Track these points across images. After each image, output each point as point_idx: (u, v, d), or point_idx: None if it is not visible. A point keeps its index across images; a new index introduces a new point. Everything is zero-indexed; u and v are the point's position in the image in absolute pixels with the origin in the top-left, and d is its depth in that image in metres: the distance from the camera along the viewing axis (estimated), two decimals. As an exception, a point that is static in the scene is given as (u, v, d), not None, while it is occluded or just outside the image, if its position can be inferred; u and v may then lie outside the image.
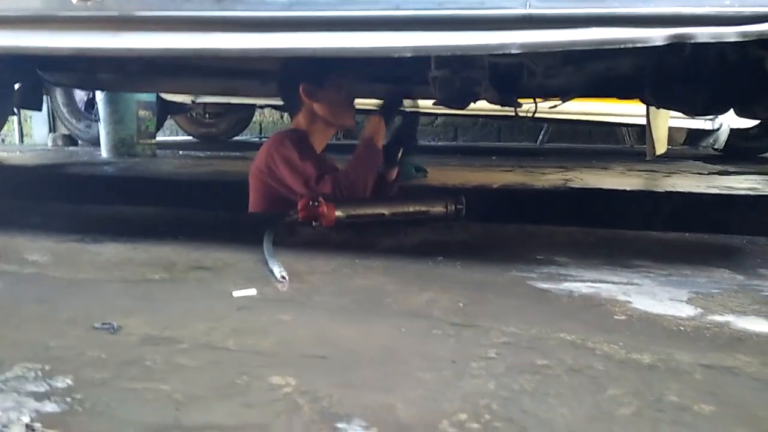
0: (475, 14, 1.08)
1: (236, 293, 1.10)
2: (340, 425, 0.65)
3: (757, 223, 1.84)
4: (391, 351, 0.87)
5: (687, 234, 1.73)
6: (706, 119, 4.15)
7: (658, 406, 0.70)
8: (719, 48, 1.78)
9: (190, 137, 6.14)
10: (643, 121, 3.30)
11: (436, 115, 6.44)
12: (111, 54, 1.30)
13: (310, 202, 1.68)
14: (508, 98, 2.11)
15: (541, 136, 6.86)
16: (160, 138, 6.86)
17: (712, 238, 1.68)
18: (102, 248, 1.45)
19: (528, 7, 1.06)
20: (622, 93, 2.16)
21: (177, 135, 7.04)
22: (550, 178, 3.09)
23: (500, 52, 1.08)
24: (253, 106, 5.83)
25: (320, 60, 2.02)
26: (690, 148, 4.94)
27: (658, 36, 1.00)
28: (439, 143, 7.06)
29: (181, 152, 4.52)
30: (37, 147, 5.24)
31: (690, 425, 0.66)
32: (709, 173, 3.43)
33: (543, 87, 2.10)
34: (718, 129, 4.13)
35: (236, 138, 6.28)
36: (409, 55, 1.12)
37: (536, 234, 1.73)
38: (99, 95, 3.95)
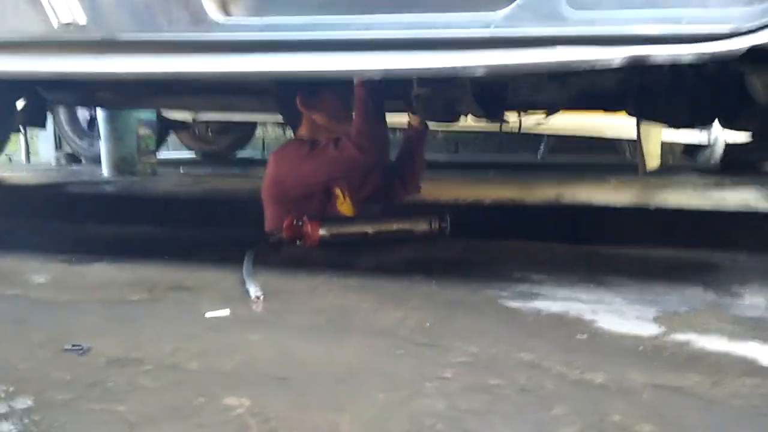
0: (442, 36, 1.10)
1: (209, 314, 1.13)
2: (285, 445, 0.67)
3: (741, 239, 1.84)
4: (352, 371, 0.89)
5: (669, 250, 1.74)
6: (701, 133, 4.15)
7: (600, 426, 0.71)
8: (699, 64, 1.81)
9: (193, 153, 6.20)
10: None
11: (437, 129, 6.49)
12: (91, 78, 1.33)
13: (294, 222, 1.71)
14: (493, 114, 2.14)
15: (541, 150, 6.86)
16: (163, 154, 6.93)
17: (693, 254, 1.68)
18: (87, 269, 1.48)
19: (493, 27, 1.08)
20: (607, 107, 2.18)
21: (181, 151, 7.10)
22: (544, 193, 3.10)
23: (466, 74, 1.10)
24: (254, 123, 5.88)
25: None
26: (688, 162, 4.93)
27: (617, 57, 1.02)
28: (440, 157, 7.08)
29: (181, 170, 4.57)
30: (41, 166, 5.31)
31: (627, 445, 0.68)
32: (704, 186, 3.43)
33: (528, 103, 2.12)
34: (713, 143, 4.12)
35: (239, 155, 6.33)
36: (377, 77, 1.15)
37: (518, 250, 1.74)
38: (99, 113, 4.01)
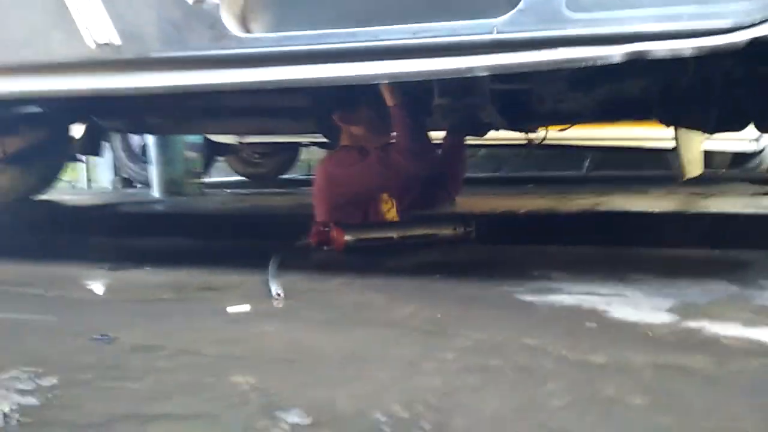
0: (447, 41, 1.14)
1: (231, 309, 1.18)
2: (278, 414, 0.70)
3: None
4: (357, 355, 0.92)
5: (701, 250, 1.70)
6: (750, 141, 4.02)
7: (592, 399, 0.72)
8: (725, 68, 1.78)
9: (241, 177, 6.40)
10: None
11: (479, 146, 6.49)
12: (123, 93, 1.43)
13: (322, 227, 1.76)
14: (518, 125, 2.15)
15: (586, 165, 6.75)
16: (213, 178, 7.17)
17: (725, 254, 1.64)
18: (125, 274, 1.57)
19: (495, 32, 1.12)
20: (633, 115, 2.16)
21: (229, 176, 7.34)
22: (581, 203, 3.06)
23: (469, 75, 1.13)
24: (298, 145, 6.04)
25: (345, 87, 2.11)
26: (738, 171, 4.77)
27: (617, 53, 1.04)
28: (481, 174, 7.06)
29: (228, 190, 4.73)
30: (99, 191, 5.60)
31: (613, 414, 0.68)
32: (752, 195, 3.31)
33: (553, 112, 2.13)
34: (761, 151, 3.98)
35: (284, 176, 6.50)
36: (386, 81, 1.19)
37: (542, 253, 1.74)
38: (150, 139, 4.22)
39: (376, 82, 1.21)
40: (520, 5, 1.08)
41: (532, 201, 3.23)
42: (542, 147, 5.65)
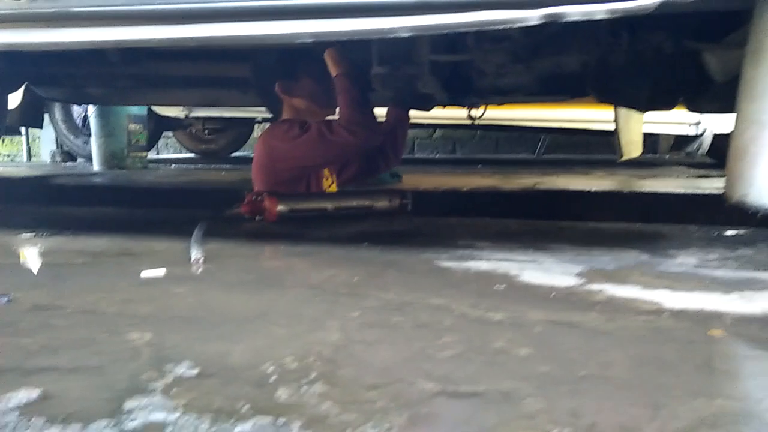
0: (374, 1, 1.14)
1: (144, 273, 1.16)
2: (167, 366, 0.69)
3: (699, 215, 1.85)
4: (263, 314, 0.91)
5: (624, 224, 1.76)
6: (689, 125, 4.15)
7: (480, 350, 0.74)
8: (656, 42, 1.82)
9: (192, 154, 6.27)
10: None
11: (435, 127, 6.53)
12: (41, 48, 1.38)
13: (254, 197, 1.74)
14: (459, 99, 2.16)
15: (538, 148, 6.87)
16: (163, 155, 6.99)
17: (645, 227, 1.70)
18: (44, 240, 1.52)
19: (422, -7, 1.11)
20: (571, 91, 2.19)
21: (180, 152, 7.19)
22: (523, 182, 3.11)
23: (392, 35, 1.13)
24: (252, 121, 5.94)
25: (287, 57, 2.08)
26: (677, 154, 4.94)
27: (533, 16, 1.05)
28: (437, 156, 7.10)
29: (173, 166, 4.63)
30: (38, 164, 5.40)
31: (496, 362, 0.70)
32: (688, 177, 3.43)
33: (494, 87, 2.14)
34: (702, 134, 4.12)
35: (236, 154, 6.39)
36: (309, 40, 1.18)
37: (473, 225, 1.77)
38: (91, 110, 4.08)
39: (300, 41, 1.19)
40: (447, -34, 1.08)
41: (477, 180, 3.26)
42: (493, 128, 5.74)
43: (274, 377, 0.66)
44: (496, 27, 1.09)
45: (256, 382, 0.65)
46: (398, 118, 2.20)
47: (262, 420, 0.56)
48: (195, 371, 0.68)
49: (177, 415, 0.57)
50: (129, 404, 0.59)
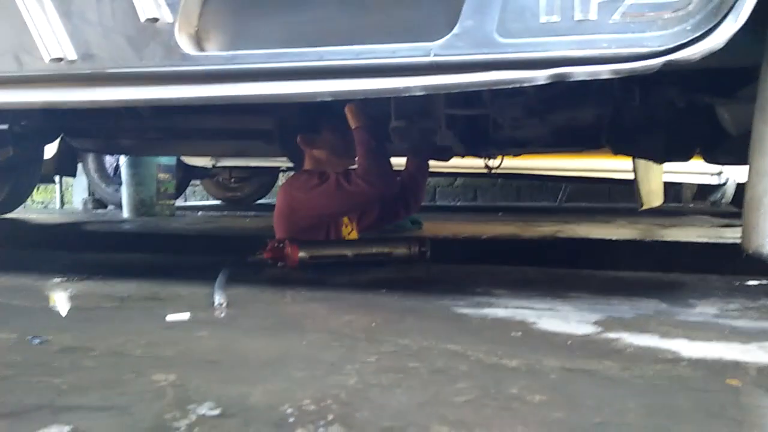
0: (387, 63, 1.20)
1: (170, 317, 1.19)
2: (190, 406, 0.72)
3: (720, 264, 1.84)
4: (283, 357, 0.94)
5: (644, 272, 1.75)
6: (712, 174, 4.15)
7: (494, 396, 0.75)
8: (668, 97, 1.86)
9: (219, 201, 6.41)
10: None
11: (455, 175, 6.60)
12: (79, 106, 1.46)
13: (276, 244, 1.79)
14: (475, 150, 2.21)
15: (560, 196, 6.88)
16: (191, 202, 7.14)
17: (664, 275, 1.69)
18: (73, 285, 1.57)
19: (432, 55, 1.18)
20: (586, 143, 2.23)
21: (207, 199, 7.34)
22: (543, 230, 3.12)
23: (406, 94, 1.19)
24: (276, 170, 6.07)
25: (308, 111, 2.17)
26: (701, 203, 4.92)
27: (541, 76, 1.10)
28: (458, 203, 7.15)
29: (200, 213, 4.73)
30: (70, 211, 5.57)
31: (510, 408, 0.71)
32: (710, 226, 3.41)
33: (510, 138, 2.19)
34: (725, 183, 4.11)
35: (261, 201, 6.51)
36: (328, 99, 1.24)
37: (491, 272, 1.78)
38: (122, 159, 4.23)
39: (320, 99, 1.25)
40: (455, 30, 1.14)
41: (497, 227, 3.29)
42: (514, 176, 5.79)
43: (292, 419, 0.68)
44: (505, 87, 1.14)
45: (275, 423, 0.67)
46: (417, 167, 2.25)
47: (280, 459, 0.58)
48: (216, 411, 0.71)
49: (199, 453, 0.59)
50: (153, 442, 0.62)
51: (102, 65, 1.40)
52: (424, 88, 1.17)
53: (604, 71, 1.05)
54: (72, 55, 1.40)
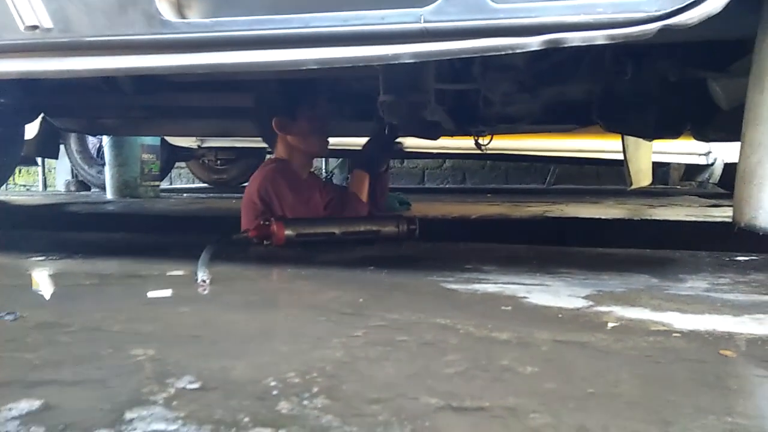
0: (376, 29, 1.16)
1: (151, 293, 1.16)
2: (169, 380, 0.69)
3: (709, 241, 1.83)
4: (267, 332, 0.91)
5: (634, 250, 1.74)
6: (700, 154, 4.15)
7: (485, 368, 0.73)
8: (660, 70, 1.84)
9: (205, 184, 6.34)
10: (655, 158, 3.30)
11: (444, 157, 6.57)
12: (54, 76, 1.41)
13: (261, 222, 1.75)
14: (465, 127, 2.18)
15: (548, 178, 6.88)
16: (176, 185, 7.06)
17: (654, 252, 1.68)
18: (52, 263, 1.53)
19: (423, 21, 1.14)
20: (577, 119, 2.21)
21: (193, 182, 7.26)
22: (532, 210, 3.10)
23: (396, 61, 1.15)
24: (263, 151, 6.00)
25: (290, 91, 2.15)
26: (688, 183, 4.94)
27: (534, 42, 1.06)
28: (447, 185, 7.13)
29: (185, 195, 4.67)
30: (52, 193, 5.47)
31: (501, 379, 0.69)
32: (699, 206, 3.41)
33: (500, 115, 2.16)
34: (712, 164, 4.11)
35: (247, 183, 6.44)
36: (314, 67, 1.20)
37: (480, 250, 1.76)
38: (105, 140, 4.15)
39: (306, 67, 1.21)
40: (446, -5, 1.10)
41: (486, 208, 3.27)
42: (503, 158, 5.77)
43: (275, 391, 0.66)
44: (497, 53, 1.10)
45: (258, 396, 0.64)
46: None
47: (263, 431, 0.55)
48: (196, 385, 0.68)
49: (177, 425, 0.56)
50: (129, 415, 0.59)
51: (79, 33, 1.35)
52: (415, 55, 1.13)
53: (599, 36, 1.02)
54: (48, 22, 1.34)
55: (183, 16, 1.31)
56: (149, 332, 0.90)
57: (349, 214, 2.13)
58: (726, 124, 1.92)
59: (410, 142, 3.56)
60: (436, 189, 6.13)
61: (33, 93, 2.76)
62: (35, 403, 0.62)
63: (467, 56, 1.12)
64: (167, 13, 1.30)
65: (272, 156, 2.26)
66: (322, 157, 2.15)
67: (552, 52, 1.24)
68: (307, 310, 1.04)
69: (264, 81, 2.20)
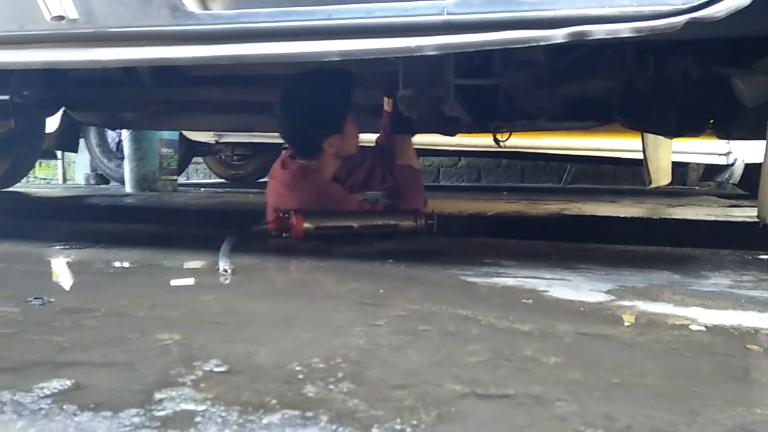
0: (399, 21, 1.16)
1: (174, 282, 1.17)
2: (196, 363, 0.70)
3: (731, 240, 1.81)
4: (289, 320, 0.92)
5: (655, 247, 1.73)
6: (720, 155, 4.09)
7: (508, 357, 0.73)
8: (683, 67, 1.82)
9: (222, 180, 6.37)
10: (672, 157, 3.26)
11: (460, 154, 6.54)
12: (81, 66, 1.43)
13: (281, 214, 1.76)
14: (483, 123, 2.17)
15: (564, 177, 6.83)
16: (193, 180, 7.10)
17: (675, 250, 1.67)
18: (77, 252, 1.55)
19: (446, 14, 1.14)
20: (597, 117, 2.18)
21: (210, 178, 7.31)
22: (549, 208, 3.08)
23: (418, 53, 1.15)
24: (279, 147, 6.02)
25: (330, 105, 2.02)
26: (708, 183, 4.87)
27: (558, 34, 1.06)
28: (462, 183, 7.11)
29: (202, 189, 4.70)
30: (72, 186, 5.54)
31: (525, 369, 0.69)
32: (718, 206, 3.37)
33: (519, 111, 2.15)
34: (732, 164, 4.05)
35: (263, 179, 6.47)
36: (337, 59, 1.20)
37: (498, 245, 1.76)
38: (125, 134, 4.19)
39: (329, 59, 1.21)
40: (469, -13, 1.10)
41: (503, 205, 3.25)
42: (520, 156, 5.73)
43: (301, 376, 0.66)
44: (522, 45, 1.10)
45: (284, 379, 0.65)
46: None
47: (290, 413, 0.56)
48: (223, 368, 0.68)
49: (206, 406, 0.57)
50: (158, 395, 0.60)
51: (104, 24, 1.36)
52: (438, 47, 1.13)
53: (624, 29, 1.01)
54: (73, 13, 1.36)
55: (206, 8, 1.32)
56: (174, 318, 0.91)
57: (411, 188, 2.08)
58: (749, 122, 1.89)
59: (426, 139, 3.56)
60: (451, 186, 6.12)
61: (55, 86, 2.79)
62: (66, 383, 0.63)
63: (490, 48, 1.12)
64: (191, 4, 1.31)
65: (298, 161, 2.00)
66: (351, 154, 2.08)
67: (573, 47, 1.23)
68: (328, 300, 1.05)
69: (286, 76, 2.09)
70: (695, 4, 0.97)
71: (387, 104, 2.09)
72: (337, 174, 2.02)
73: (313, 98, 1.89)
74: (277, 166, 2.07)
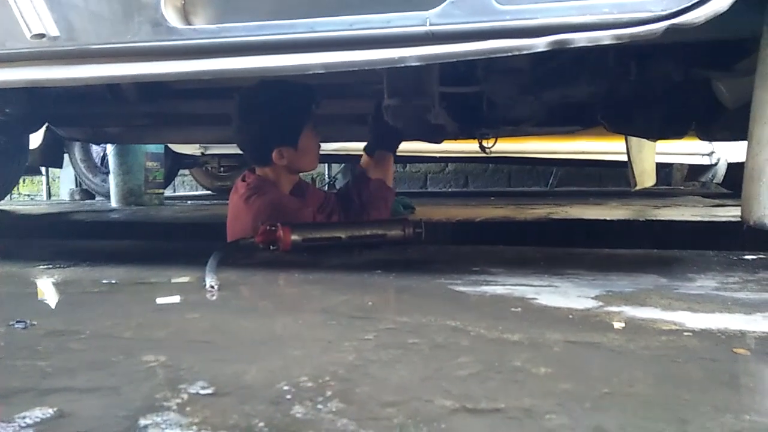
0: (382, 33, 1.16)
1: (160, 300, 1.16)
2: (181, 386, 0.69)
3: (717, 241, 1.83)
4: (277, 336, 0.91)
5: (641, 250, 1.74)
6: (703, 155, 4.14)
7: (498, 369, 0.72)
8: (664, 71, 1.84)
9: (208, 191, 6.34)
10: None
11: (446, 161, 6.56)
12: (62, 84, 1.41)
13: (267, 227, 1.75)
14: (469, 129, 2.18)
15: (550, 180, 6.87)
16: (179, 193, 7.06)
17: (662, 253, 1.68)
18: (62, 271, 1.53)
19: (428, 25, 1.14)
20: (581, 121, 2.20)
21: (197, 190, 7.27)
22: (537, 212, 3.10)
23: (401, 64, 1.15)
24: (264, 159, 6.00)
25: (292, 113, 2.03)
26: (697, 185, 4.94)
27: (540, 43, 1.07)
28: (450, 189, 7.13)
29: (189, 202, 4.68)
30: (57, 202, 5.48)
31: (515, 381, 0.68)
32: (703, 206, 3.40)
33: (504, 118, 2.17)
34: (716, 164, 4.10)
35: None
36: (321, 71, 1.20)
37: (486, 252, 1.76)
38: (109, 148, 4.16)
39: (312, 72, 1.21)
40: (451, -3, 1.10)
41: (490, 211, 3.26)
42: (506, 161, 5.76)
43: (289, 396, 0.65)
44: (503, 55, 1.10)
45: (272, 400, 0.64)
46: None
47: (278, 435, 0.55)
48: (210, 390, 0.67)
49: (192, 431, 0.56)
50: (143, 421, 0.59)
51: (86, 41, 1.35)
52: (420, 58, 1.13)
53: (605, 37, 1.02)
54: (54, 31, 1.35)
55: (189, 23, 1.32)
56: (160, 338, 0.90)
57: (378, 204, 2.06)
58: (731, 124, 1.91)
59: (413, 146, 3.56)
60: (439, 193, 6.13)
61: (37, 102, 2.77)
62: (49, 411, 0.62)
63: (473, 58, 1.12)
64: (173, 19, 1.30)
65: (257, 174, 2.03)
66: (310, 171, 2.07)
67: (556, 53, 1.24)
68: (317, 314, 1.04)
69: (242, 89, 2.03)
70: (674, 10, 0.99)
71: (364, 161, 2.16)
72: (294, 192, 2.03)
73: (269, 106, 1.91)
74: (238, 179, 2.08)
